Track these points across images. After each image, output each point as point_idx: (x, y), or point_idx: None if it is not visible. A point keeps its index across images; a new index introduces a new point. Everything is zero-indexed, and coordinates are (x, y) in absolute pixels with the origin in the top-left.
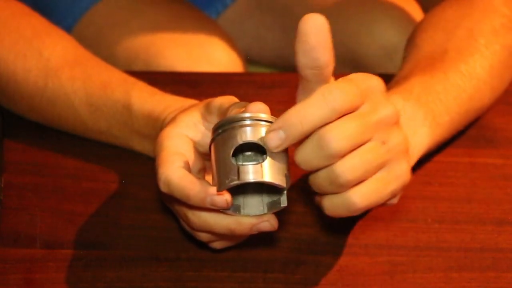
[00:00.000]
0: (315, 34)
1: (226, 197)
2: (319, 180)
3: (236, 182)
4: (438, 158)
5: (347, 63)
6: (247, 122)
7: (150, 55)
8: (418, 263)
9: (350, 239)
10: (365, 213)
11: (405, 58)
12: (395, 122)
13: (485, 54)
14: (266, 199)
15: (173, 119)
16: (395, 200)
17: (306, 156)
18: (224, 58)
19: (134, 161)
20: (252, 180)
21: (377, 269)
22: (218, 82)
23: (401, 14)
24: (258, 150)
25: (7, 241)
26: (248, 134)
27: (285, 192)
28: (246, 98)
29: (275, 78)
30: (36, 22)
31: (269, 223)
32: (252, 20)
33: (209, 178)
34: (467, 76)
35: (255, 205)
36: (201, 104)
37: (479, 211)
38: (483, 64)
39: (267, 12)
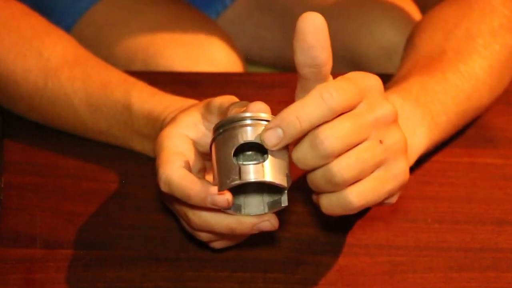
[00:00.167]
0: (313, 32)
1: (227, 196)
2: (316, 179)
3: (237, 182)
4: (438, 158)
5: (347, 63)
6: (248, 121)
7: (149, 55)
8: (418, 263)
9: (350, 239)
10: (365, 213)
11: (404, 58)
12: (393, 121)
13: (483, 54)
14: (267, 198)
15: (173, 119)
16: (393, 199)
17: (302, 156)
18: (223, 58)
19: (134, 161)
20: (253, 180)
21: (377, 269)
22: (218, 82)
23: (401, 14)
24: (259, 149)
25: (7, 241)
26: (249, 134)
27: (286, 191)
28: (246, 98)
29: (275, 78)
30: (36, 22)
31: (269, 222)
32: (252, 20)
33: (209, 178)
34: (465, 76)
35: (255, 204)
36: (201, 104)
37: (479, 211)
38: (481, 64)
39: (267, 12)
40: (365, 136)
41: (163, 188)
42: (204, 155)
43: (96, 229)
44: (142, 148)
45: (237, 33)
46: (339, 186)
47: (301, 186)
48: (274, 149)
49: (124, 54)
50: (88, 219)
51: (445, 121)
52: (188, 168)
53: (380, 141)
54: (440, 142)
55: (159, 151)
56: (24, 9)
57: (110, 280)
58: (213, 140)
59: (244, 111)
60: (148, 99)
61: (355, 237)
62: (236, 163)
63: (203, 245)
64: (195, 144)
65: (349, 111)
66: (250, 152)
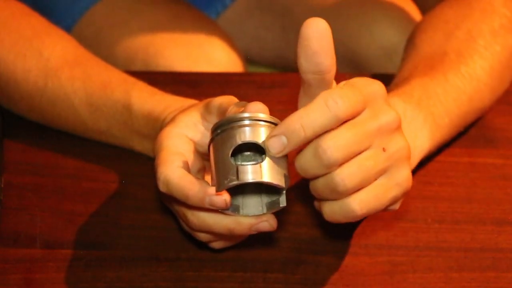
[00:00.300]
0: (318, 39)
1: (225, 197)
2: (318, 187)
3: (235, 182)
4: (438, 158)
5: (347, 63)
6: (246, 122)
7: (149, 55)
8: (418, 263)
9: (350, 239)
10: None
11: (404, 59)
12: (396, 128)
13: (484, 55)
14: (265, 199)
15: (172, 119)
16: (396, 206)
17: (304, 165)
18: (223, 58)
19: (134, 161)
20: (251, 180)
21: (377, 269)
22: (218, 82)
23: (401, 15)
24: (257, 150)
25: (7, 241)
26: (247, 134)
27: (284, 192)
28: (246, 98)
29: (275, 78)
30: (36, 22)
31: (268, 223)
32: (251, 20)
33: (208, 178)
34: (467, 78)
35: (254, 205)
36: (200, 104)
37: (479, 211)
38: (482, 65)
39: (267, 12)
40: (368, 144)
41: (162, 188)
42: (203, 155)
43: (96, 229)
44: (142, 148)
45: (237, 33)
46: (341, 194)
47: (300, 186)
48: (278, 156)
49: (124, 54)
50: (88, 219)
51: (447, 123)
52: (187, 168)
53: (383, 148)
54: (442, 144)
55: (158, 150)
56: (24, 9)
57: (110, 280)
58: (211, 140)
59: (242, 112)
60: (148, 99)
61: (355, 237)
62: (234, 163)
63: (203, 245)
64: (194, 144)
65: (352, 118)
66: (248, 153)
